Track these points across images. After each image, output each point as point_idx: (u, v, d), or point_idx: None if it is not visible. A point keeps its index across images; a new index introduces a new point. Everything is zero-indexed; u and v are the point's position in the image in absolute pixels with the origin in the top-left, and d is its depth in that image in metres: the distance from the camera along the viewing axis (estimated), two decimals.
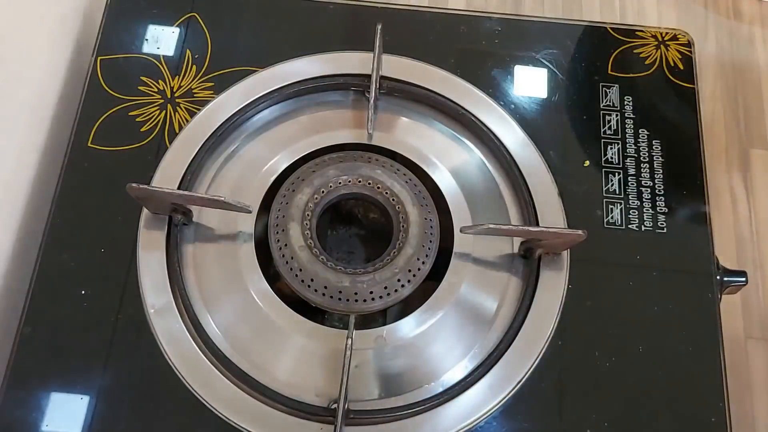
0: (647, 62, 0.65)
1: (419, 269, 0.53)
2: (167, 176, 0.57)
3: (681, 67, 0.65)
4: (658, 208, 0.59)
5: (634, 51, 0.65)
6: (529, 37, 0.66)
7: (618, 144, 0.61)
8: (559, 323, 0.54)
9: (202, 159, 0.58)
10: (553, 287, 0.55)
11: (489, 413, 0.52)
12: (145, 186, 0.52)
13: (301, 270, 0.52)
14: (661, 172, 0.60)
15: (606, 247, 0.57)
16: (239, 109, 0.60)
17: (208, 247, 0.56)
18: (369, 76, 0.59)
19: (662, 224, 0.58)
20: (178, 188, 0.56)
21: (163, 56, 0.62)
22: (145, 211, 0.56)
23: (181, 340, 0.53)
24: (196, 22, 0.63)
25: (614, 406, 0.53)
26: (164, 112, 0.60)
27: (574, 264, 0.56)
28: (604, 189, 0.60)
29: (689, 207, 0.60)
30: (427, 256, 0.54)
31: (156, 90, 0.61)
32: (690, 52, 0.65)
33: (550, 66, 0.64)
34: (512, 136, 0.60)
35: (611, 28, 0.66)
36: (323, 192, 0.55)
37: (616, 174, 0.60)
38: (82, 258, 0.55)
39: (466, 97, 0.62)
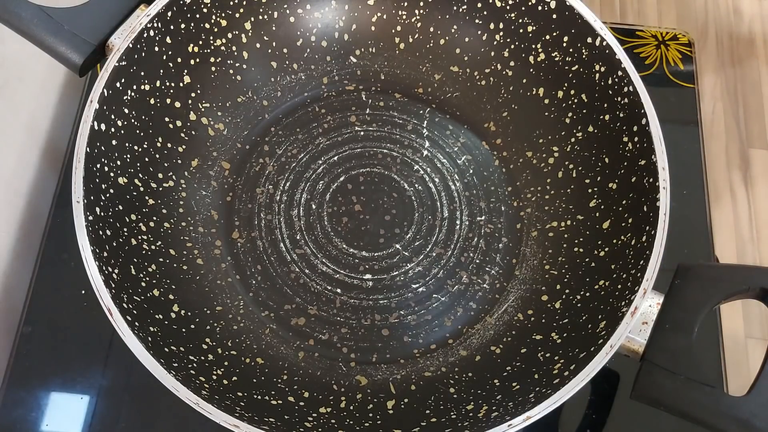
0: (647, 62, 0.65)
1: None
2: None
3: (681, 67, 0.65)
4: None
5: (634, 51, 0.65)
6: None
7: None
8: None
9: None
10: None
11: None
12: None
13: None
14: None
15: None
16: None
17: None
18: None
19: None
20: None
21: None
22: None
23: None
24: None
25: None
26: None
27: None
28: None
29: (689, 207, 0.60)
30: None
31: None
32: (690, 52, 0.65)
33: None
34: None
35: (611, 28, 0.66)
36: None
37: None
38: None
39: None
